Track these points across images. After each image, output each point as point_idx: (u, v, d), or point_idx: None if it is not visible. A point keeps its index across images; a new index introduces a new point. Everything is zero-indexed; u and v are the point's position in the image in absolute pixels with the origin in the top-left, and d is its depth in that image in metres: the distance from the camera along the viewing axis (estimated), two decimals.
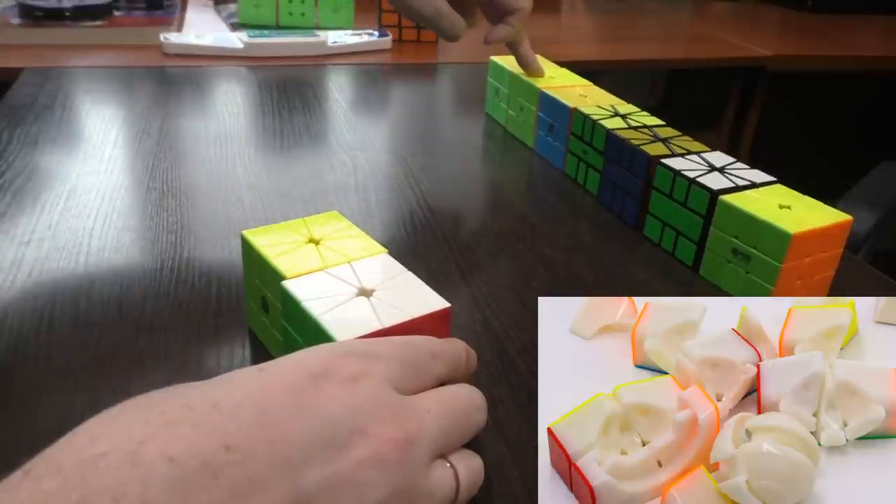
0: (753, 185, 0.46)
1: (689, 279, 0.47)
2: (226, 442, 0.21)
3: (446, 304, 0.31)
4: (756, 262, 0.43)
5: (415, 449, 0.24)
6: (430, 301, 0.31)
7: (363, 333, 0.28)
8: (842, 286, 0.45)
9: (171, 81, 0.79)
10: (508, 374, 0.37)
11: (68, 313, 0.39)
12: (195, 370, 0.35)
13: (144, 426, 0.20)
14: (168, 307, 0.40)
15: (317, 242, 0.34)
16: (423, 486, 0.24)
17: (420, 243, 0.49)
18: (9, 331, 0.37)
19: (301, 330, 0.30)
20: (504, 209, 0.57)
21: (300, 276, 0.32)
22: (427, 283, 0.32)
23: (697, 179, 0.46)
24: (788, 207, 0.43)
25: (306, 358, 0.25)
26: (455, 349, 0.29)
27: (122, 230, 0.47)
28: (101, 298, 0.40)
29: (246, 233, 0.35)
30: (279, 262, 0.32)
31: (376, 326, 0.29)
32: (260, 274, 0.34)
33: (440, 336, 0.30)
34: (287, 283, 0.31)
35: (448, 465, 0.25)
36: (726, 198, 0.44)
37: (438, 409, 0.26)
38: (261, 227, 0.35)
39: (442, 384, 0.28)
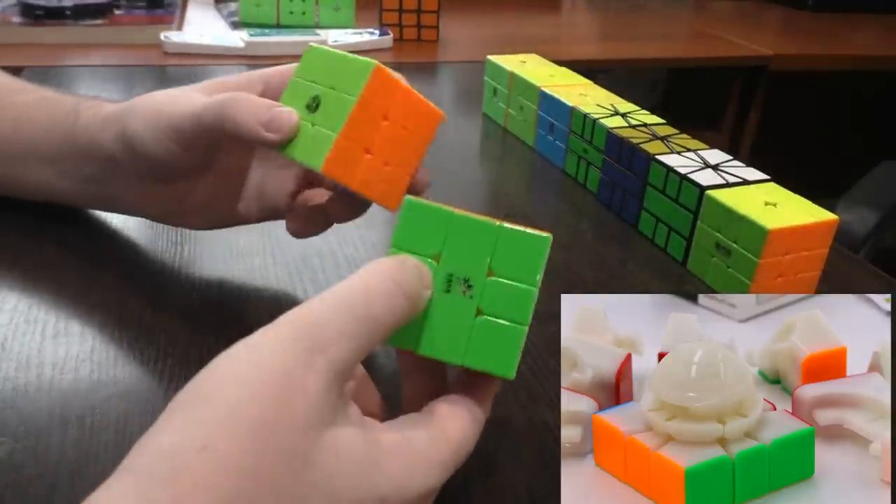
0: (745, 183, 0.46)
1: (689, 280, 0.47)
2: None
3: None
4: (736, 257, 0.43)
5: None
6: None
7: None
8: (842, 286, 0.45)
9: (171, 80, 0.79)
10: None
11: (68, 313, 0.39)
12: (196, 371, 0.35)
13: None
14: (168, 307, 0.40)
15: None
16: None
17: None
18: (10, 327, 0.37)
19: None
20: (505, 208, 0.57)
21: None
22: None
23: (689, 175, 0.46)
24: (774, 205, 0.43)
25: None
26: None
27: (121, 230, 0.47)
28: (101, 299, 0.40)
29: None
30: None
31: None
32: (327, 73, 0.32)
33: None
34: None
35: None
36: (712, 192, 0.45)
37: None
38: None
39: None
